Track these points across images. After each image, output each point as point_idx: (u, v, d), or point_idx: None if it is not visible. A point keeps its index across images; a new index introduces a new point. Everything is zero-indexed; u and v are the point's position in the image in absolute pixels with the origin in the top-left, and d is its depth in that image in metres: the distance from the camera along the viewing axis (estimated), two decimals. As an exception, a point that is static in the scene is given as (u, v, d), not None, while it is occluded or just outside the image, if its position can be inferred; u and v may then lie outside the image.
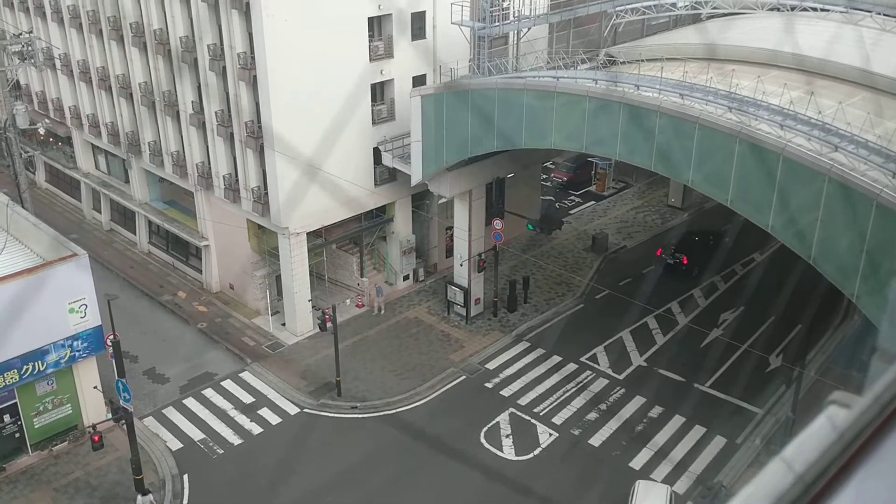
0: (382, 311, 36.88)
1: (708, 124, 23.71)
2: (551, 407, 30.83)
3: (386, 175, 36.11)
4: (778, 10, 32.46)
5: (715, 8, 34.12)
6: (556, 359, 33.66)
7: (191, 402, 31.40)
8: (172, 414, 30.77)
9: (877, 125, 22.48)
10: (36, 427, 28.29)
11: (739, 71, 27.51)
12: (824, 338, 34.42)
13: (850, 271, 20.85)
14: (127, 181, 43.83)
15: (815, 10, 31.38)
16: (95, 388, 28.90)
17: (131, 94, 40.09)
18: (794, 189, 22.01)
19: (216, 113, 34.81)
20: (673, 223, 45.54)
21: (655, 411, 30.51)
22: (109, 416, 28.07)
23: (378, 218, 37.62)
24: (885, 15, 29.48)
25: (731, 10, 34.02)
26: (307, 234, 34.42)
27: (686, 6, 35.02)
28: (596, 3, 36.55)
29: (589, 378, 32.51)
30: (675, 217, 46.17)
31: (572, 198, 48.83)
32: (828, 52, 28.52)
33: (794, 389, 28.05)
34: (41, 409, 28.27)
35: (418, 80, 35.63)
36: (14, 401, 27.49)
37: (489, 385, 32.18)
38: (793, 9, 31.81)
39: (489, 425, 29.81)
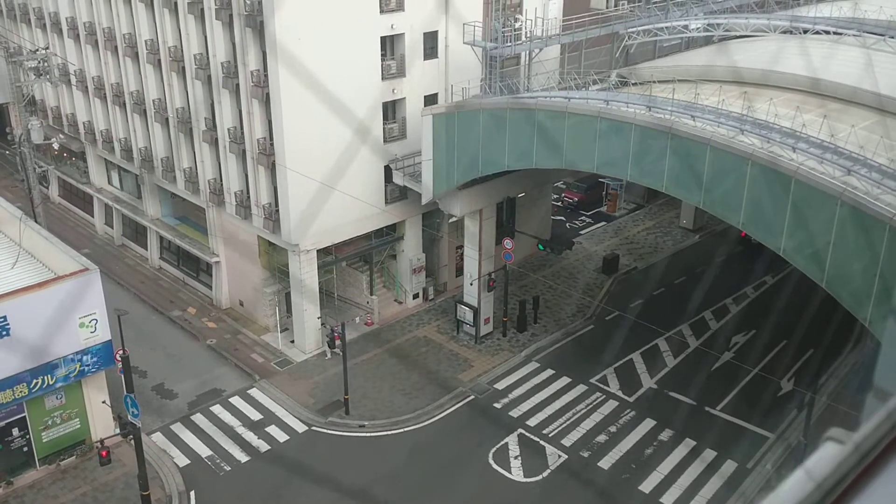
0: (329, 356, 34.44)
1: (720, 146, 23.67)
2: (560, 428, 30.62)
3: (397, 193, 36.17)
4: (791, 33, 32.49)
5: (727, 30, 34.17)
6: (566, 380, 33.47)
7: (199, 419, 31.35)
8: (180, 430, 30.73)
9: (890, 149, 22.39)
10: (44, 441, 28.28)
11: (752, 93, 27.48)
12: (837, 362, 34.12)
13: (864, 296, 20.69)
14: (139, 197, 44.08)
15: (827, 33, 31.40)
16: (104, 402, 28.90)
17: (145, 111, 40.40)
18: (807, 212, 21.90)
19: (229, 130, 35.02)
20: (684, 245, 45.39)
21: (665, 434, 30.26)
22: (117, 431, 28.01)
23: (388, 236, 37.65)
24: (898, 39, 29.44)
25: (744, 33, 34.06)
26: (317, 251, 34.46)
27: (698, 28, 35.09)
28: (608, 24, 36.68)
29: (599, 400, 32.30)
30: (686, 239, 46.02)
31: (583, 218, 48.77)
32: (841, 75, 28.48)
33: (805, 414, 27.79)
34: (49, 423, 28.28)
35: (430, 99, 35.77)
36: (23, 414, 27.51)
37: (498, 405, 32.01)
38: (805, 32, 31.84)
39: (498, 446, 29.62)
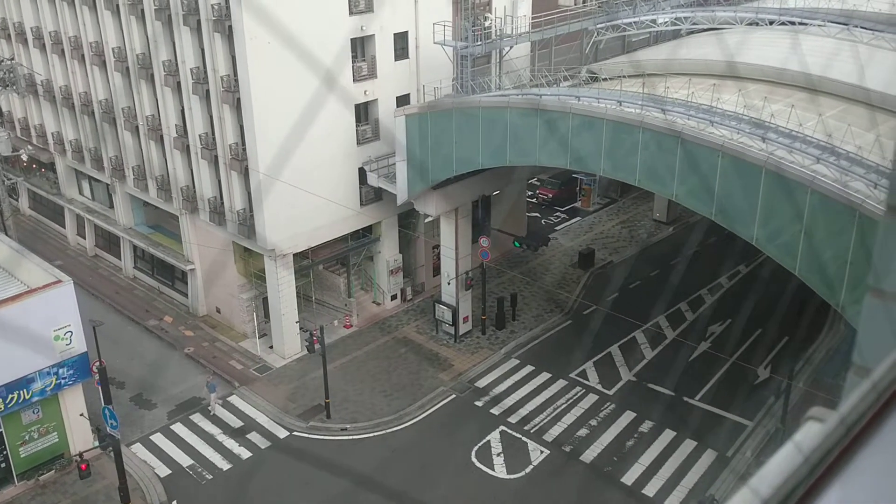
0: (212, 412, 31.80)
1: (690, 139, 23.89)
2: (542, 424, 30.75)
3: (372, 195, 36.12)
4: (756, 24, 32.85)
5: (695, 24, 34.49)
6: (546, 375, 33.61)
7: (179, 428, 31.12)
8: (160, 440, 30.48)
9: (857, 136, 22.72)
10: (22, 456, 27.93)
11: (720, 85, 27.76)
12: (811, 348, 34.57)
13: (836, 282, 20.97)
14: (111, 206, 43.66)
15: (792, 23, 31.80)
16: (82, 415, 28.62)
17: (114, 119, 40.02)
18: (778, 201, 22.17)
19: (200, 136, 34.78)
20: (658, 237, 45.74)
21: (646, 426, 30.49)
22: (96, 443, 27.76)
23: (364, 238, 37.59)
24: (861, 28, 29.90)
25: (711, 26, 34.39)
26: (293, 255, 34.33)
27: (666, 23, 35.38)
28: (577, 20, 36.86)
29: (579, 394, 32.48)
30: (660, 231, 46.37)
31: (558, 214, 48.99)
32: (807, 64, 28.84)
33: (783, 400, 28.13)
34: (27, 437, 27.93)
35: (402, 100, 35.76)
36: (-1, 430, 27.18)
37: (479, 403, 32.09)
38: (771, 23, 32.21)
39: (480, 444, 29.69)
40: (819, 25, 30.99)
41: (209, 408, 31.96)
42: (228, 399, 32.77)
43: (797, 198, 21.35)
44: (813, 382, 31.72)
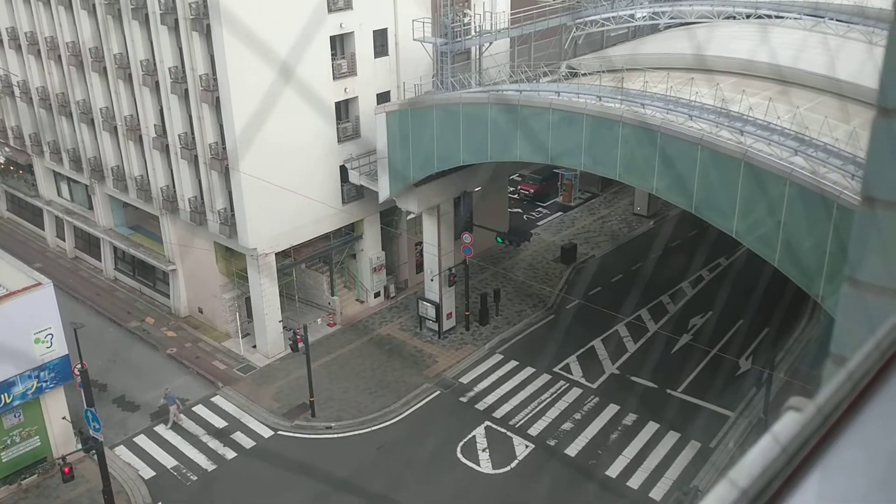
0: (170, 424, 30.94)
1: (669, 133, 24.04)
2: (527, 418, 30.86)
3: (353, 193, 36.07)
4: (734, 18, 33.08)
5: (673, 18, 34.66)
6: (530, 370, 33.73)
7: (162, 429, 30.96)
8: (144, 442, 30.33)
9: (834, 128, 22.94)
10: (3, 461, 27.70)
11: (699, 79, 27.91)
12: (792, 339, 34.88)
13: (815, 273, 21.20)
14: (90, 207, 43.31)
15: (769, 17, 32.04)
16: (64, 418, 28.43)
17: (93, 120, 39.69)
18: (757, 194, 22.36)
19: (179, 136, 34.57)
20: (639, 231, 45.97)
21: (630, 419, 30.67)
22: (79, 446, 27.53)
23: (347, 236, 37.54)
24: (837, 20, 30.17)
25: (689, 20, 34.58)
26: (276, 254, 34.23)
27: (644, 17, 35.52)
28: (556, 16, 36.94)
29: (563, 388, 32.62)
30: (641, 225, 46.60)
31: (539, 209, 49.12)
32: (785, 57, 29.07)
33: (764, 391, 28.38)
34: (9, 442, 27.71)
35: (382, 97, 35.72)
36: (-20, 435, 26.95)
37: (464, 399, 32.16)
38: (748, 17, 32.45)
39: (465, 439, 29.76)
40: (795, 18, 31.25)
41: (167, 424, 31.03)
42: (212, 399, 32.64)
43: (775, 190, 21.56)
44: (794, 372, 32.01)
